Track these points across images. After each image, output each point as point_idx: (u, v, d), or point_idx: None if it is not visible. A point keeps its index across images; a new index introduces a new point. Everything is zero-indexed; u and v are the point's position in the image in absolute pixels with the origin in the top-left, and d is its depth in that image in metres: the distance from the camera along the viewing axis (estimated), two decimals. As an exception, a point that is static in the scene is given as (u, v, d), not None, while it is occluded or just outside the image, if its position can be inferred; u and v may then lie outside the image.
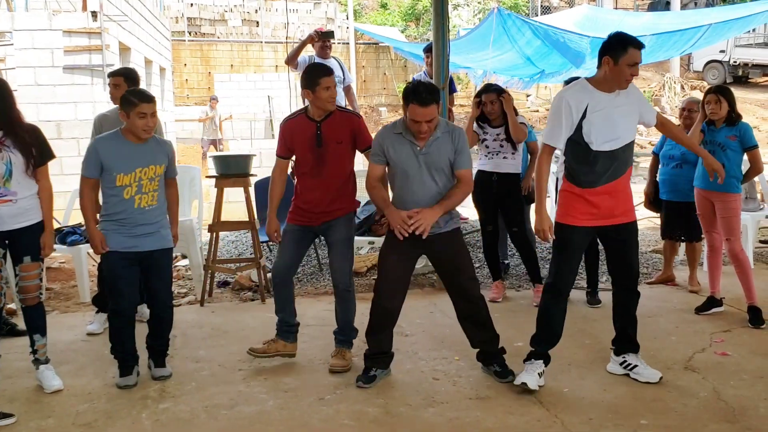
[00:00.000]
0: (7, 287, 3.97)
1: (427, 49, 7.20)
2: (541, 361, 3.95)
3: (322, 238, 4.31)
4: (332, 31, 7.31)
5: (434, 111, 3.69)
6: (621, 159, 3.85)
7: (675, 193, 5.62)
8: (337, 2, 24.08)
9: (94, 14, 10.64)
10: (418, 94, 3.63)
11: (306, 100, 4.14)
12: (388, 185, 3.96)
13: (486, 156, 5.47)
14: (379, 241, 5.93)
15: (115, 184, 3.88)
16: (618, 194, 3.89)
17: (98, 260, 5.51)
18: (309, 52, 7.22)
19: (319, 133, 4.04)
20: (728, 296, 5.41)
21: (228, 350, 4.18)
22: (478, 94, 5.51)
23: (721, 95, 5.06)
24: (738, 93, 22.14)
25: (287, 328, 4.26)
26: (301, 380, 4.03)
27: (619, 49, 3.74)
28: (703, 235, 5.49)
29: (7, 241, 3.83)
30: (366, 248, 6.75)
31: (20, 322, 4.45)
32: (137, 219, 3.92)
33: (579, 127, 3.81)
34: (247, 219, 5.81)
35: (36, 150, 3.82)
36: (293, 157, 4.25)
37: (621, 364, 4.06)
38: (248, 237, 7.21)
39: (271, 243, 6.39)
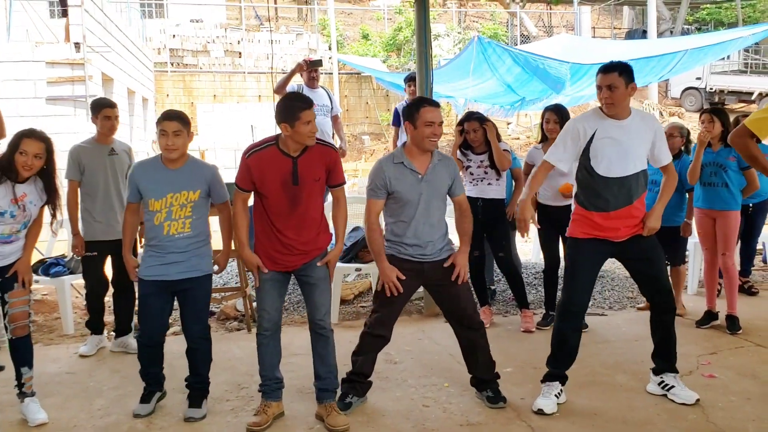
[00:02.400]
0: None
1: (409, 78, 7.27)
2: (558, 382, 3.97)
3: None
4: (321, 60, 7.29)
5: (441, 114, 3.81)
6: (631, 186, 3.86)
7: None
8: (320, 33, 24.29)
9: (77, 45, 10.68)
10: (425, 99, 3.81)
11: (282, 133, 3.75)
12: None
13: (471, 183, 5.50)
14: (366, 267, 5.94)
15: (149, 209, 3.83)
16: (630, 219, 3.91)
17: (83, 292, 5.50)
18: (298, 81, 7.24)
19: (296, 170, 3.68)
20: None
21: (215, 381, 4.13)
22: (461, 122, 5.57)
23: (715, 115, 5.36)
24: (715, 119, 22.29)
25: (276, 385, 3.90)
26: (290, 409, 3.98)
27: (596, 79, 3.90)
28: (687, 259, 5.58)
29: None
30: (353, 275, 6.74)
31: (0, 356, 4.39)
32: (167, 246, 3.82)
33: (586, 152, 3.87)
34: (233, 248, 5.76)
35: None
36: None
37: (659, 384, 4.06)
38: (233, 266, 7.16)
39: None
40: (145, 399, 3.95)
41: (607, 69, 3.83)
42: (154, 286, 3.85)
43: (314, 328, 3.88)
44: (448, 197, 3.99)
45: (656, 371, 4.09)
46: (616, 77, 3.80)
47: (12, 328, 3.82)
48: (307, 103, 3.65)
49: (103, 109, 5.00)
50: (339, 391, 3.96)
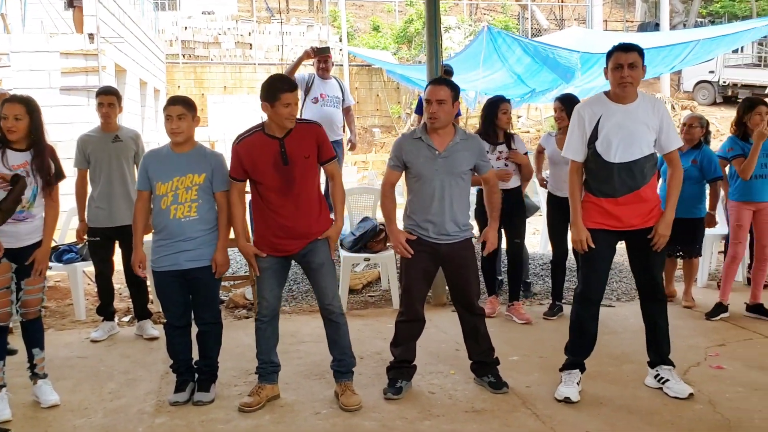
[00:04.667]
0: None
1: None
2: (578, 369, 3.99)
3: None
4: (328, 48, 7.15)
5: (445, 93, 3.85)
6: (639, 170, 3.82)
7: (677, 210, 5.63)
8: (330, 25, 24.27)
9: (90, 36, 10.72)
10: (432, 80, 3.94)
11: (264, 114, 3.81)
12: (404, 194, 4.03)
13: None
14: (375, 257, 5.97)
15: (156, 193, 3.87)
16: (641, 204, 3.87)
17: (93, 279, 5.58)
18: (310, 71, 7.18)
19: (284, 151, 3.73)
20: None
21: (223, 366, 4.17)
22: (490, 107, 5.52)
23: None
24: (727, 113, 22.33)
25: (272, 369, 3.98)
26: (297, 395, 4.03)
27: (607, 58, 3.85)
28: (702, 252, 5.60)
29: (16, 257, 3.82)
30: (362, 265, 6.77)
31: (12, 340, 4.43)
32: (175, 232, 3.84)
33: (593, 139, 3.84)
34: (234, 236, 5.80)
35: (54, 171, 3.86)
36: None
37: (655, 377, 4.05)
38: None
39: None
40: (179, 388, 3.97)
41: (628, 48, 3.77)
42: (168, 276, 3.89)
43: (325, 313, 3.95)
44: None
45: (651, 364, 4.09)
46: (637, 56, 3.76)
47: (23, 312, 3.88)
48: (290, 86, 3.71)
49: (96, 97, 5.11)
50: (354, 371, 4.04)
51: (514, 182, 5.51)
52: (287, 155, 3.73)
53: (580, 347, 4.02)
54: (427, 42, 6.02)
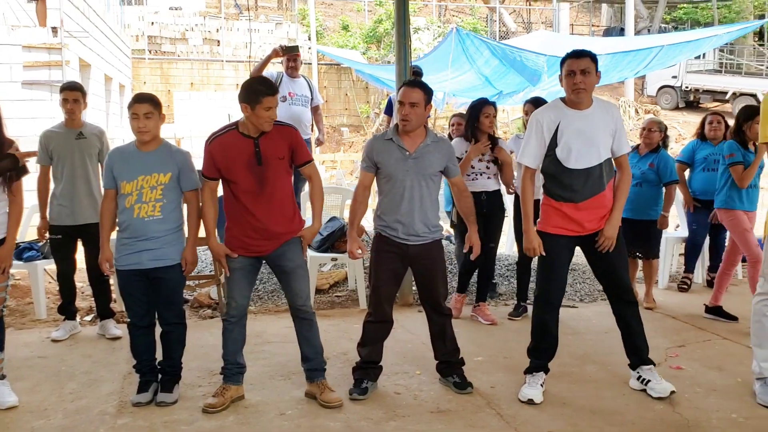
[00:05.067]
0: None
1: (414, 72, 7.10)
2: (542, 372, 4.03)
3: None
4: (297, 46, 7.09)
5: (418, 96, 3.86)
6: (597, 176, 3.86)
7: (634, 211, 5.75)
8: (299, 23, 24.18)
9: (54, 30, 10.52)
10: (405, 82, 3.96)
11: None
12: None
13: (471, 177, 5.39)
14: (342, 257, 5.96)
15: (121, 192, 3.81)
16: (601, 209, 3.90)
17: (55, 277, 5.49)
18: (279, 70, 7.15)
19: (258, 150, 3.71)
20: (681, 313, 5.57)
21: (188, 366, 4.14)
22: (473, 110, 5.49)
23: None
24: (689, 117, 22.70)
25: (237, 370, 3.96)
26: (262, 396, 4.01)
27: (561, 65, 3.88)
28: (660, 254, 5.71)
29: None
30: (329, 265, 6.75)
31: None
32: (138, 231, 3.78)
33: (553, 145, 3.86)
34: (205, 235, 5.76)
35: (14, 166, 3.75)
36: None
37: (638, 379, 4.07)
38: (207, 254, 7.14)
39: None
40: (142, 388, 3.92)
41: (580, 54, 3.80)
42: (131, 275, 3.85)
43: (296, 313, 3.94)
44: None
45: (632, 366, 4.12)
46: (589, 62, 3.79)
47: None
48: (272, 90, 3.70)
49: (61, 93, 5.01)
50: (326, 369, 4.04)
51: (493, 185, 5.51)
52: (261, 155, 3.72)
53: (543, 350, 4.06)
54: (396, 43, 6.03)
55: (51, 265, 5.58)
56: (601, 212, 3.92)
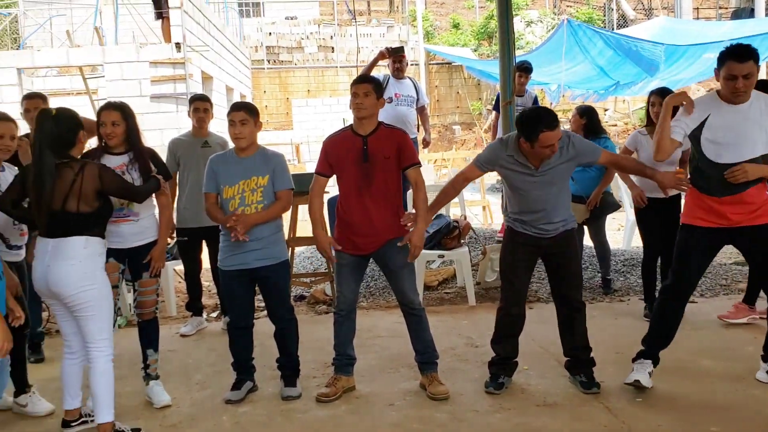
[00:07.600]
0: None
1: (518, 68, 6.96)
2: (650, 361, 3.95)
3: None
4: (402, 47, 7.22)
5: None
6: None
7: None
8: (410, 24, 24.40)
9: (177, 45, 11.21)
10: (546, 122, 3.68)
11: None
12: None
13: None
14: (449, 254, 6.04)
15: (224, 197, 4.03)
16: (747, 205, 3.72)
17: (183, 276, 5.88)
18: (386, 72, 7.29)
19: (366, 148, 3.90)
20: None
21: (303, 359, 4.34)
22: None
23: None
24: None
25: (347, 361, 4.15)
26: (372, 387, 4.17)
27: (719, 62, 3.67)
28: None
29: (126, 259, 4.00)
30: (437, 262, 6.84)
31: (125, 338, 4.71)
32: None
33: (698, 137, 3.73)
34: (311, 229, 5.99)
35: (157, 172, 4.00)
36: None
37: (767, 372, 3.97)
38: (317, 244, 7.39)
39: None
40: (236, 386, 4.12)
41: (742, 56, 3.55)
42: (235, 275, 4.04)
43: (405, 309, 4.10)
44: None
45: (764, 358, 3.99)
46: (753, 66, 3.56)
47: (139, 313, 4.07)
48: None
49: (193, 103, 5.39)
50: (438, 362, 4.14)
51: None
52: (368, 152, 3.90)
53: (657, 338, 3.96)
54: (500, 38, 6.06)
55: (179, 266, 5.99)
56: (749, 208, 3.71)
